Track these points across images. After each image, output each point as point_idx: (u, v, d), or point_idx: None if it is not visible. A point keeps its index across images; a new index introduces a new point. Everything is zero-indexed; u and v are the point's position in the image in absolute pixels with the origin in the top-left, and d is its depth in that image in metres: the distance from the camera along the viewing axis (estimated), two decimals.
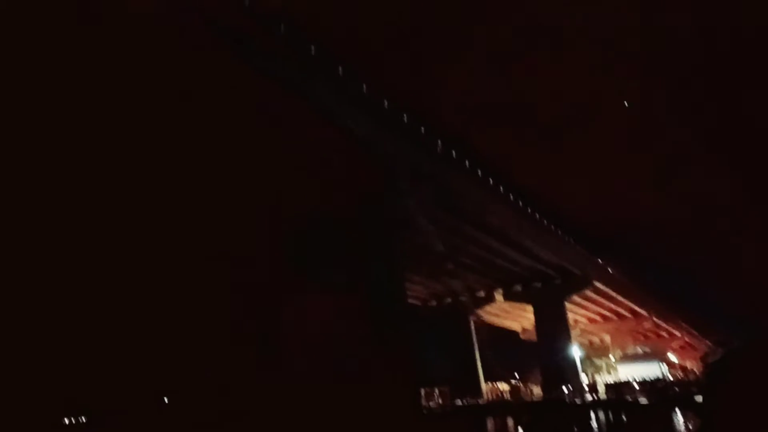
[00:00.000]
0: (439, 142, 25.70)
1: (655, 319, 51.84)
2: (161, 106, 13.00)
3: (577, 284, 38.50)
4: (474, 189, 27.23)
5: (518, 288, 39.54)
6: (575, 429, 23.76)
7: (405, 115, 23.19)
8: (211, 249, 13.49)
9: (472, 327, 42.65)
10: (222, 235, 13.64)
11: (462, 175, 26.68)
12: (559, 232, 36.56)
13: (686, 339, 61.91)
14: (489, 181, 29.26)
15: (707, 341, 59.81)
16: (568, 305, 40.20)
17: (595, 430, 24.27)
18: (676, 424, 21.54)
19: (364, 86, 20.54)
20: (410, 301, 41.31)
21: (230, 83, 14.22)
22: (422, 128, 24.27)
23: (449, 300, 42.47)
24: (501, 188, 30.20)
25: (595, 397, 30.59)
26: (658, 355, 48.15)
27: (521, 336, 53.72)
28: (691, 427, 19.85)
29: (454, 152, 26.42)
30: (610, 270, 43.09)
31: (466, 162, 27.48)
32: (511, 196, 31.21)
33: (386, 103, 21.80)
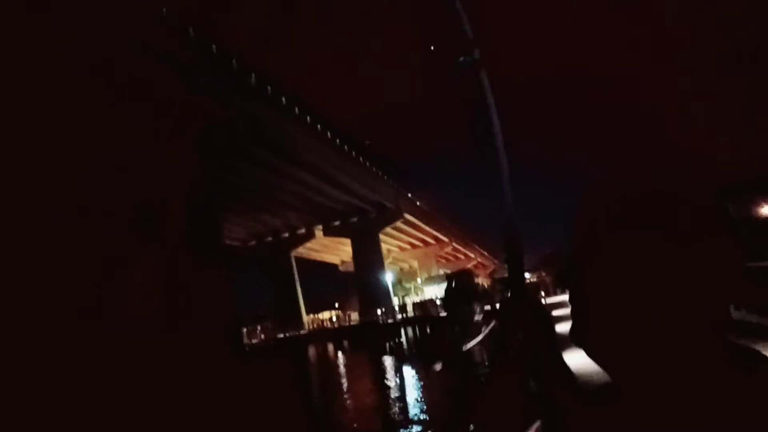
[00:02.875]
0: (253, 76, 24.81)
1: (454, 244, 58.96)
2: None
3: (390, 217, 41.62)
4: (289, 125, 27.12)
5: (337, 223, 41.30)
6: (389, 344, 26.59)
7: (214, 47, 21.78)
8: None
9: (294, 263, 43.71)
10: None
11: (277, 110, 26.29)
12: (373, 168, 38.67)
13: (479, 260, 72.01)
14: (306, 118, 29.37)
15: (495, 261, 70.31)
16: (381, 237, 43.40)
17: (405, 342, 27.54)
18: None
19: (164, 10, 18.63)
20: (230, 242, 40.57)
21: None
22: (234, 62, 23.13)
23: (270, 239, 42.67)
24: (318, 125, 30.57)
25: (405, 316, 34.20)
26: None
27: (340, 268, 56.85)
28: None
29: (269, 88, 25.80)
30: (417, 202, 47.28)
31: (282, 98, 27.09)
32: (328, 134, 31.86)
33: (192, 32, 20.16)
